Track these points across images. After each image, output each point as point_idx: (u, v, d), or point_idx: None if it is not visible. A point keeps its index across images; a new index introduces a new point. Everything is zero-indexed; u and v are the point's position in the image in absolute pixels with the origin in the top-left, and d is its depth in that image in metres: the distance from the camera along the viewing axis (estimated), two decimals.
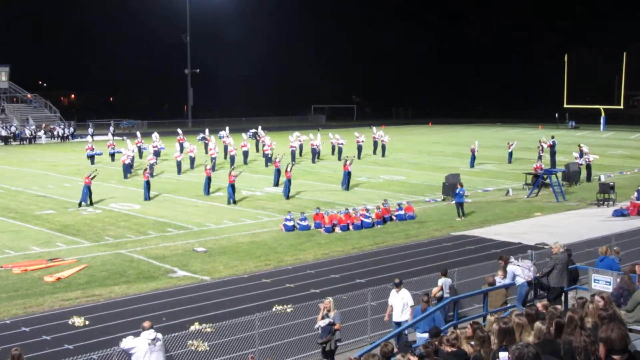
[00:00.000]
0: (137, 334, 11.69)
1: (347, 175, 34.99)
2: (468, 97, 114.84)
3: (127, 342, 11.43)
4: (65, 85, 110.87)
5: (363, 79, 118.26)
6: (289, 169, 32.49)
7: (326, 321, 13.17)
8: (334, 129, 62.80)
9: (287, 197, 31.83)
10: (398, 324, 13.95)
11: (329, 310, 13.29)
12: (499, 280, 15.12)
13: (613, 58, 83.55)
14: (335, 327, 13.19)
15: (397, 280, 14.35)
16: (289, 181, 32.12)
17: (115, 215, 27.93)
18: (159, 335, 11.55)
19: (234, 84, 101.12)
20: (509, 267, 14.97)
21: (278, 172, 35.66)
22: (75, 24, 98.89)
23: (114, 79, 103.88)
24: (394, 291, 14.24)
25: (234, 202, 30.48)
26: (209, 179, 32.97)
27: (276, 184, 35.33)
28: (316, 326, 13.33)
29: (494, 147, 55.43)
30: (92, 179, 29.87)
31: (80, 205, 29.31)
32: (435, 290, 15.20)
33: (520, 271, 14.70)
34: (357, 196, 32.64)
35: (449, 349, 9.04)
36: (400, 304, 14.03)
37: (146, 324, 11.75)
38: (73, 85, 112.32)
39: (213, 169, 37.52)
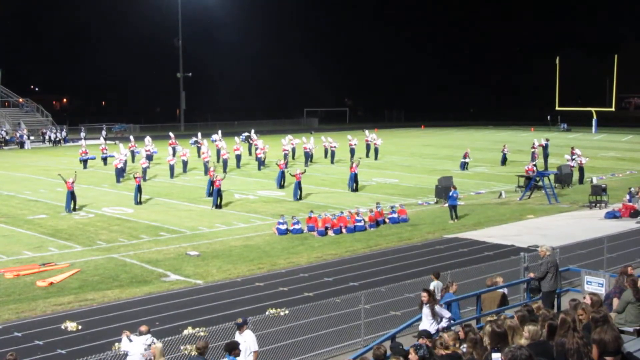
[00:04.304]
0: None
1: (354, 177, 35.18)
2: (460, 99, 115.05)
3: (125, 345, 11.43)
4: (57, 89, 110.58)
5: (355, 82, 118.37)
6: (298, 172, 32.61)
7: None
8: (327, 132, 62.79)
9: (297, 199, 32.05)
10: None
11: (154, 357, 11.20)
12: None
13: (604, 60, 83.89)
14: None
15: (239, 320, 11.98)
16: (298, 183, 32.30)
17: (108, 219, 27.86)
18: (155, 340, 11.52)
19: (226, 88, 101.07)
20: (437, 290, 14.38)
21: (282, 174, 35.81)
22: (67, 28, 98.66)
23: (106, 83, 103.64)
24: (237, 333, 11.97)
25: (218, 206, 30.23)
26: (211, 182, 32.76)
27: (280, 187, 35.45)
28: None
29: (486, 150, 55.54)
30: (73, 182, 29.53)
31: (72, 210, 29.17)
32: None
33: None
34: (350, 199, 32.65)
35: (442, 352, 9.06)
36: (243, 348, 11.43)
37: (143, 328, 11.72)
38: (65, 89, 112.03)
39: (205, 172, 37.44)
